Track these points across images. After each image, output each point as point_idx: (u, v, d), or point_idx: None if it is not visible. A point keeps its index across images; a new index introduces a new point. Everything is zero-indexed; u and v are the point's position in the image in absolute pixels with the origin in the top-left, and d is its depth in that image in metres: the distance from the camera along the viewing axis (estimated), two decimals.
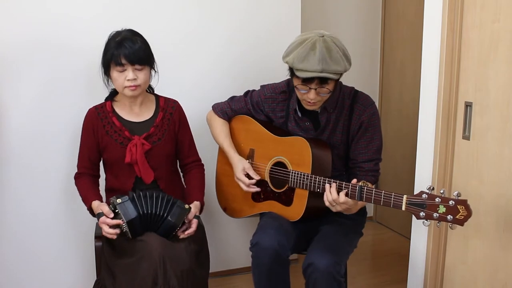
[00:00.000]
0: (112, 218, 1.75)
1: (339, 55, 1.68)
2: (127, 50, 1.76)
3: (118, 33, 1.83)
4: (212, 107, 2.15)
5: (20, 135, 2.22)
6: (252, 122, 2.05)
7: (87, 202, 1.88)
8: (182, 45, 2.39)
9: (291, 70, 1.74)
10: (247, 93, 2.09)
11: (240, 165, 1.98)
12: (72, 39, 2.22)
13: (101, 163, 2.01)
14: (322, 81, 1.70)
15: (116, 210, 1.74)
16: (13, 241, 2.29)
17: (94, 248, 1.98)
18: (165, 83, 2.05)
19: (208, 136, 2.19)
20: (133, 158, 1.88)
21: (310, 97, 1.74)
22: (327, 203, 1.70)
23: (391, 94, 3.34)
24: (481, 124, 1.79)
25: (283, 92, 1.96)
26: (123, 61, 1.77)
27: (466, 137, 1.85)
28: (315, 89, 1.72)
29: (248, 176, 1.97)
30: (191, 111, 2.08)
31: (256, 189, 1.97)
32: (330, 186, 1.69)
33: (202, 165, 2.11)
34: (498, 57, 1.70)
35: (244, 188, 1.96)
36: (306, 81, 1.70)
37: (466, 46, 1.83)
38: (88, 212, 1.91)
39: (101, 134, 1.91)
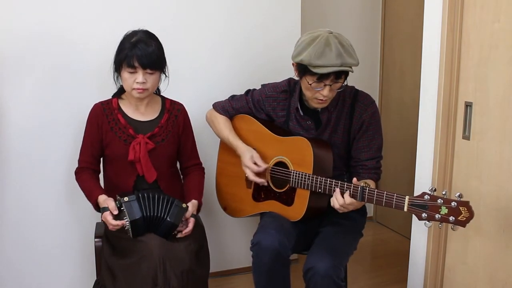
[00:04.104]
0: (117, 215, 1.76)
1: (351, 49, 1.71)
2: (141, 52, 1.76)
3: (134, 33, 1.82)
4: (213, 105, 2.15)
5: (21, 132, 2.22)
6: (253, 122, 2.05)
7: (92, 196, 1.87)
8: (180, 44, 2.39)
9: (304, 68, 1.73)
10: (248, 92, 2.09)
11: (248, 153, 1.96)
12: (74, 36, 2.22)
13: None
14: (337, 76, 1.71)
15: (122, 208, 1.74)
16: (14, 240, 2.28)
17: (94, 248, 1.98)
18: (165, 83, 2.04)
19: (208, 136, 2.19)
20: (136, 156, 1.88)
21: (324, 94, 1.74)
22: (336, 206, 1.70)
23: (391, 94, 3.35)
24: (481, 124, 1.79)
25: (284, 91, 1.96)
26: (136, 64, 1.77)
27: (466, 137, 1.85)
28: (330, 85, 1.72)
29: (255, 165, 1.95)
30: (190, 110, 2.08)
31: (262, 180, 1.93)
32: (336, 192, 1.69)
33: (203, 168, 2.12)
34: (498, 57, 1.70)
35: (251, 176, 1.94)
36: (322, 77, 1.70)
37: (466, 46, 1.83)
38: (88, 212, 1.91)
39: (105, 130, 1.91)
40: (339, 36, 1.72)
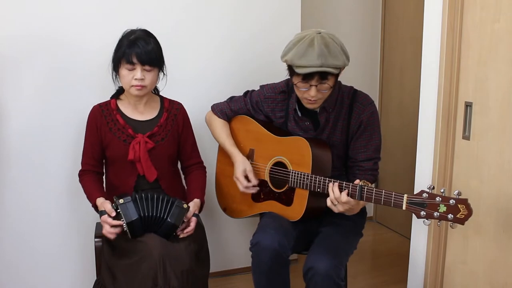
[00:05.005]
0: (114, 217, 1.76)
1: (337, 50, 1.69)
2: (139, 49, 1.78)
3: (132, 32, 1.84)
4: (211, 107, 2.15)
5: (21, 133, 2.22)
6: (251, 122, 2.05)
7: (92, 199, 1.88)
8: (179, 45, 2.39)
9: (291, 68, 1.74)
10: (246, 93, 2.09)
11: (242, 166, 1.98)
12: (74, 37, 2.22)
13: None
14: (322, 76, 1.70)
15: (118, 210, 1.74)
16: (14, 241, 2.28)
17: (94, 248, 1.98)
18: (162, 82, 2.05)
19: (208, 136, 2.20)
20: (136, 155, 1.88)
21: (311, 94, 1.74)
22: (329, 203, 1.71)
23: (391, 94, 3.35)
24: (481, 124, 1.79)
25: (283, 92, 1.96)
26: (134, 60, 1.78)
27: (466, 137, 1.85)
28: (316, 85, 1.72)
29: (247, 178, 1.97)
30: (190, 111, 2.08)
31: (252, 191, 1.97)
32: (333, 185, 1.69)
33: (204, 167, 2.12)
34: (498, 57, 1.70)
35: (241, 189, 1.97)
36: (306, 78, 1.70)
37: (466, 46, 1.83)
38: (88, 212, 1.91)
39: (104, 131, 1.92)
40: (326, 37, 1.69)
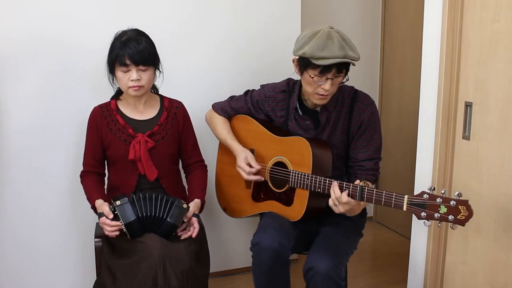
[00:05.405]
0: (113, 219, 1.76)
1: (352, 44, 1.72)
2: (132, 50, 1.77)
3: (123, 33, 1.84)
4: (212, 106, 2.15)
5: (21, 133, 2.22)
6: (252, 122, 2.05)
7: (91, 200, 1.89)
8: (180, 43, 2.39)
9: (306, 62, 1.73)
10: (247, 92, 2.09)
11: (243, 154, 1.97)
12: (74, 37, 2.22)
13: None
14: (339, 69, 1.72)
15: (116, 212, 1.74)
16: (14, 241, 2.28)
17: (94, 248, 1.98)
18: (160, 80, 2.05)
19: (208, 136, 2.20)
20: (137, 155, 1.89)
21: (326, 88, 1.74)
22: (330, 203, 1.70)
23: (391, 94, 3.35)
24: (481, 124, 1.79)
25: (283, 92, 1.97)
26: (127, 61, 1.78)
27: (466, 137, 1.86)
28: (332, 79, 1.73)
29: (249, 166, 1.96)
30: (190, 111, 2.08)
31: (257, 177, 1.96)
32: (333, 185, 1.69)
33: (205, 166, 2.12)
34: (498, 57, 1.70)
35: (245, 176, 1.96)
36: (325, 70, 1.70)
37: (466, 46, 1.83)
38: (88, 212, 1.92)
39: (105, 132, 1.92)
40: (340, 31, 1.73)
